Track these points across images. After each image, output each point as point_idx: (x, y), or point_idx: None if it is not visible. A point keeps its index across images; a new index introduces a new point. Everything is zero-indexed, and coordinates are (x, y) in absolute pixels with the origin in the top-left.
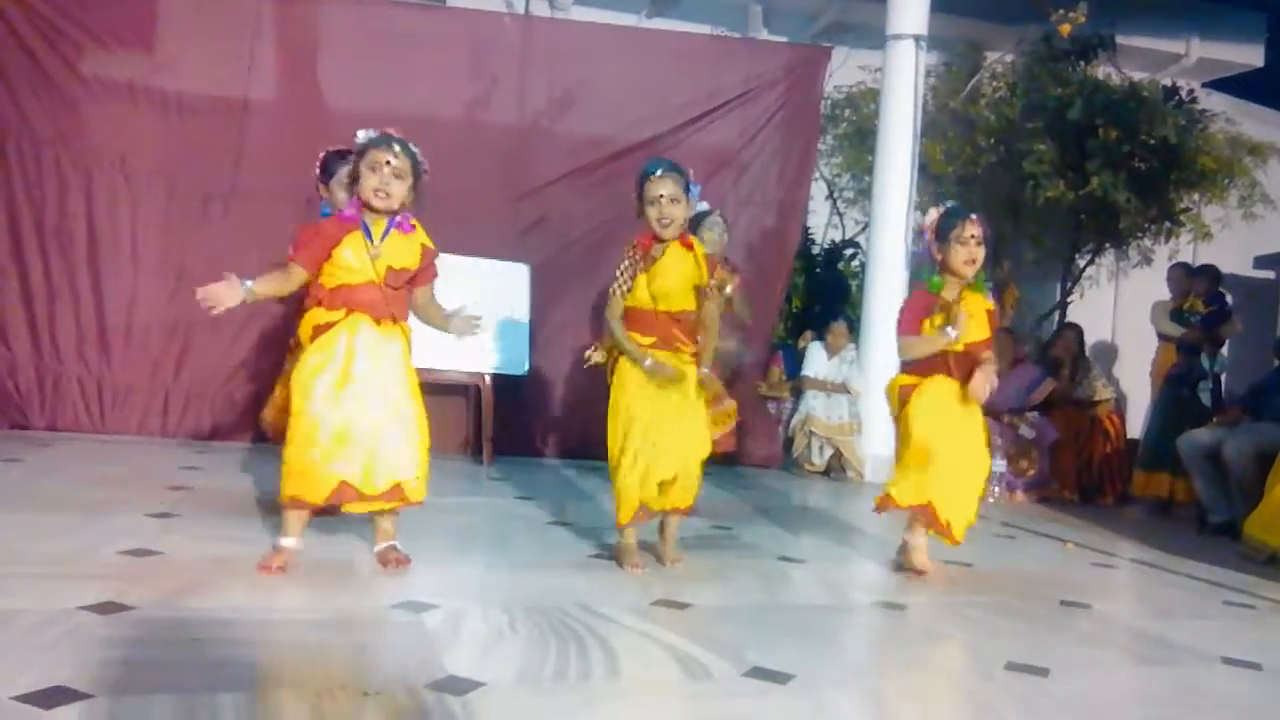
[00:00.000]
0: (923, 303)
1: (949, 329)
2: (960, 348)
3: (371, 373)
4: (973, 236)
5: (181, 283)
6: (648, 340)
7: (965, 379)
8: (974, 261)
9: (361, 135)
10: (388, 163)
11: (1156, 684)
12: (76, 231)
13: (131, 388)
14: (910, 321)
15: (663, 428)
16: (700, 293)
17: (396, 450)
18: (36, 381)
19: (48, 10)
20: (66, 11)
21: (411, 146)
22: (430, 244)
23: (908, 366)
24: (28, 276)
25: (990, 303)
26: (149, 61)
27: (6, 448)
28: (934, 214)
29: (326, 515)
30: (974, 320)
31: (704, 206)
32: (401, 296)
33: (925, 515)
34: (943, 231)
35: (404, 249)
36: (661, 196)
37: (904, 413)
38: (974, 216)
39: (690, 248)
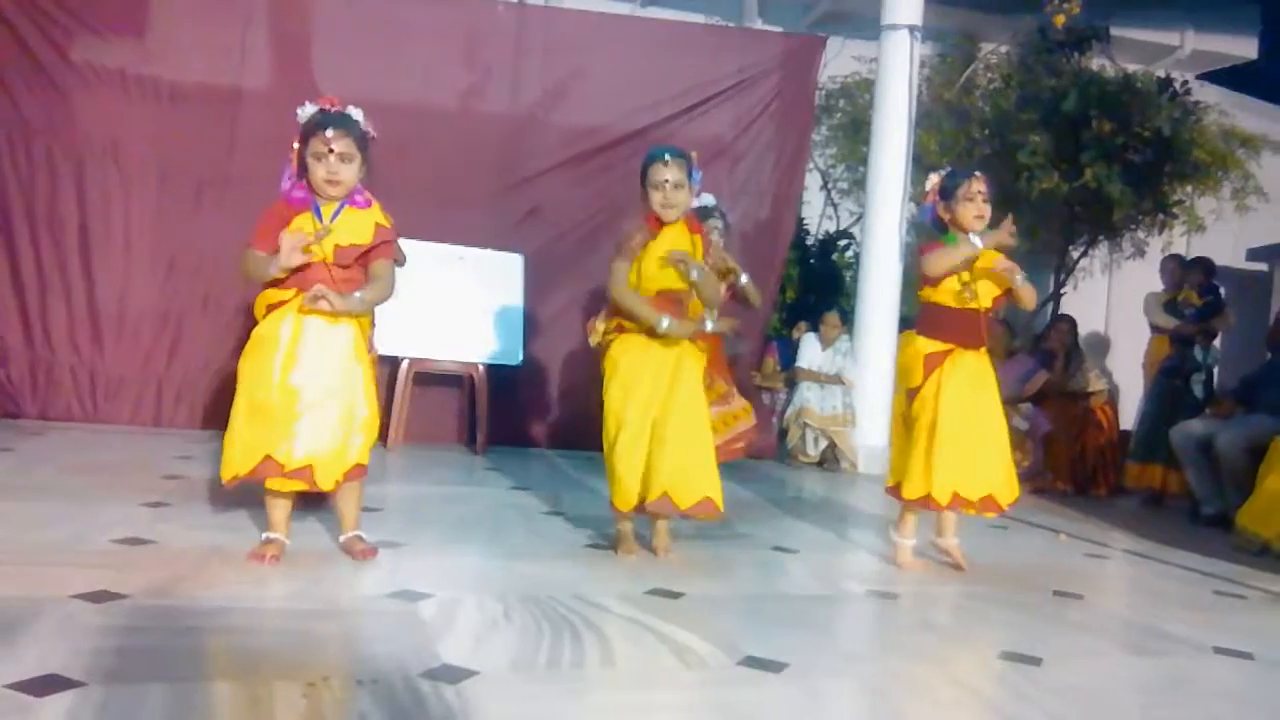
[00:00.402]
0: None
1: (974, 237)
2: (987, 305)
3: (315, 354)
4: (979, 192)
5: (173, 272)
6: (638, 326)
7: (988, 327)
8: (982, 217)
9: (301, 114)
10: (330, 150)
11: (1149, 673)
12: (68, 220)
13: (124, 377)
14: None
15: (663, 422)
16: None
17: (319, 433)
18: (29, 371)
19: None
20: None
21: (353, 117)
22: (386, 222)
23: (931, 328)
24: (19, 266)
25: (998, 250)
26: (141, 49)
27: None
28: (935, 178)
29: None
30: (989, 279)
31: (709, 200)
32: (354, 277)
33: (957, 504)
34: (948, 190)
35: (355, 225)
36: (666, 182)
37: (927, 388)
38: (978, 174)
39: (694, 231)
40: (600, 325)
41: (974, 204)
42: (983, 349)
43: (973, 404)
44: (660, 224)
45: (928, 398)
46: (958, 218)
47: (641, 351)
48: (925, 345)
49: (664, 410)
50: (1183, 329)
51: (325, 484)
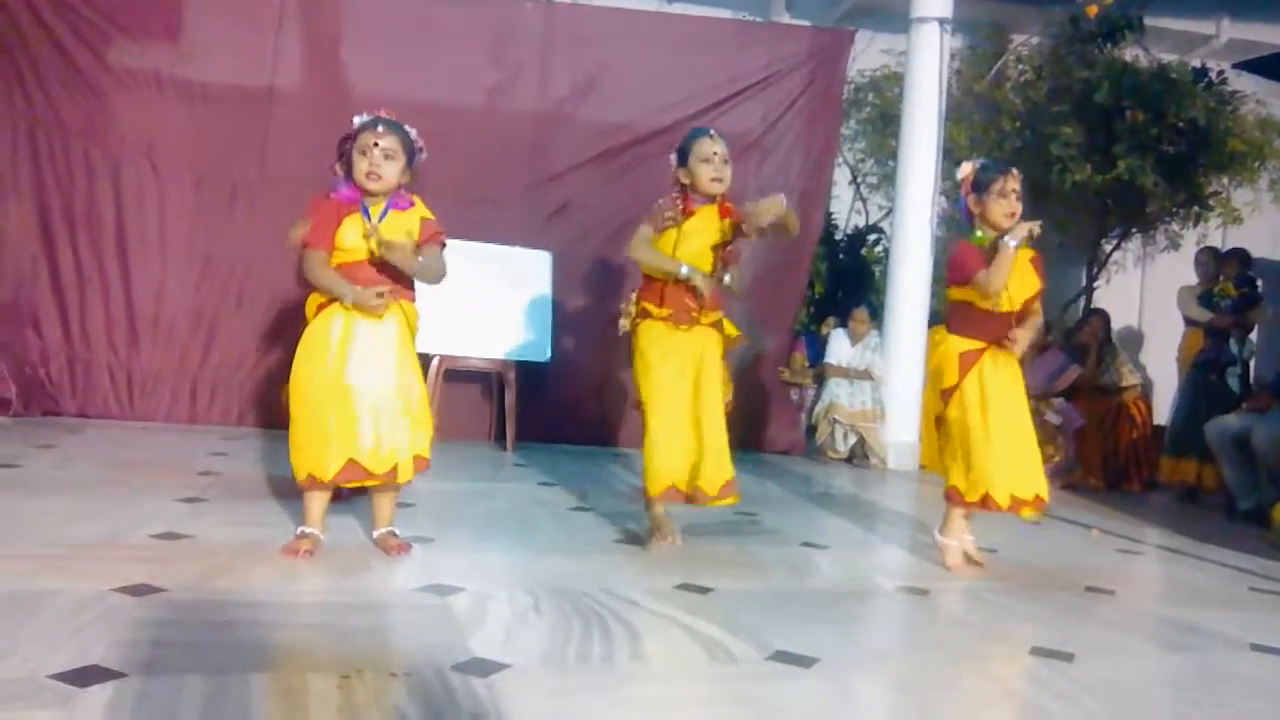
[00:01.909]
0: (975, 255)
1: (1008, 239)
2: (1018, 305)
3: (368, 351)
4: (1014, 190)
5: (208, 270)
6: (663, 312)
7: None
8: (1014, 215)
9: (358, 121)
10: (375, 144)
11: (1183, 670)
12: (105, 221)
13: (160, 375)
14: (977, 267)
15: (694, 416)
16: (720, 250)
17: (393, 430)
18: (67, 369)
19: (75, 1)
20: (94, 2)
21: (404, 127)
22: (430, 215)
23: (964, 326)
24: (58, 266)
25: (1033, 250)
26: (175, 52)
27: (39, 434)
28: (968, 167)
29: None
30: (1022, 274)
31: None
32: (399, 276)
33: (1019, 506)
34: (981, 185)
35: (402, 226)
36: (716, 154)
37: (966, 387)
38: (1013, 170)
39: (726, 215)
40: (631, 309)
41: (1007, 201)
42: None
43: (1013, 403)
44: (692, 207)
45: (969, 398)
46: (988, 213)
47: (667, 339)
48: (959, 344)
49: (694, 404)
50: (1217, 322)
51: (405, 477)
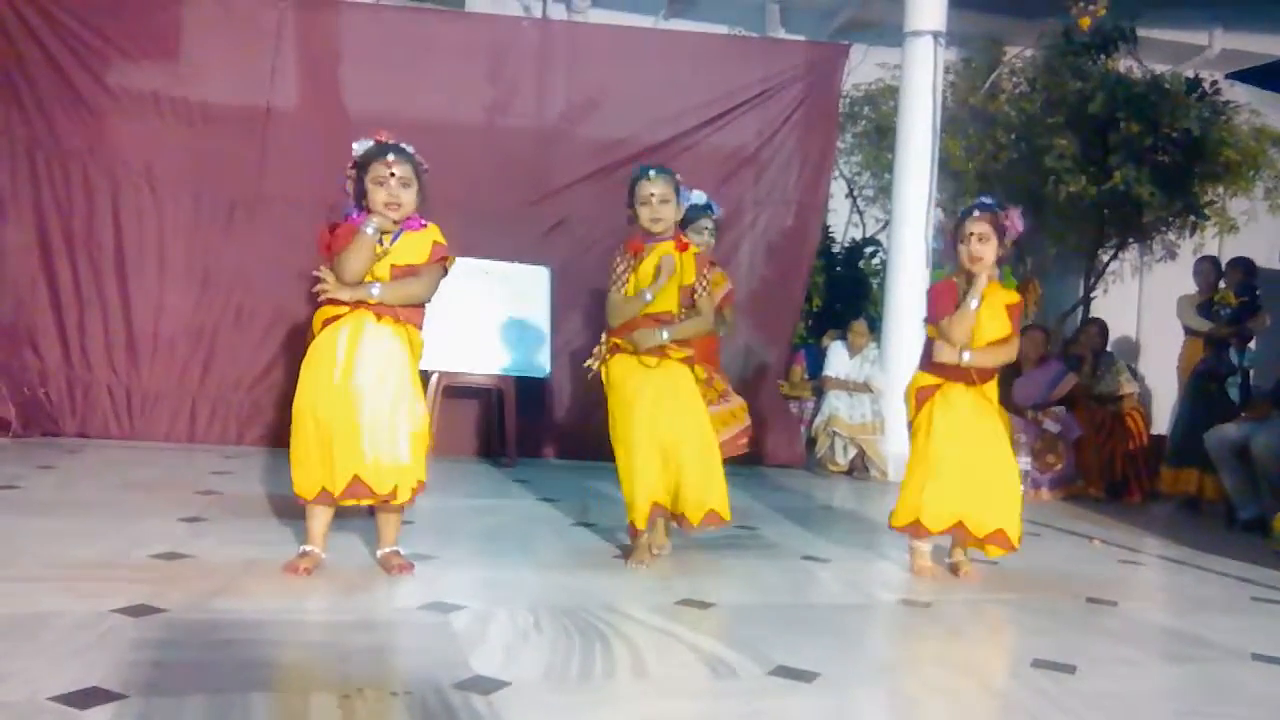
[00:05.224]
0: (948, 298)
1: (970, 299)
2: (982, 344)
3: (371, 368)
4: (972, 234)
5: (207, 289)
6: (630, 348)
7: (984, 380)
8: (980, 259)
9: (357, 148)
10: (391, 174)
11: (1186, 681)
12: (104, 241)
13: (160, 394)
14: (944, 310)
15: (670, 430)
16: (686, 290)
17: (392, 449)
18: (67, 389)
19: (73, 23)
20: (92, 23)
21: (408, 149)
22: (442, 240)
23: (927, 362)
24: (57, 286)
25: (1013, 295)
26: (173, 72)
27: (39, 455)
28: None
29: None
30: (993, 318)
31: (700, 198)
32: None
33: (960, 535)
34: (954, 231)
35: (413, 246)
36: (653, 195)
37: (919, 420)
38: (975, 214)
39: (683, 249)
40: (602, 349)
41: (965, 246)
42: (985, 384)
43: (970, 438)
44: (642, 247)
45: (920, 430)
46: (958, 255)
47: (640, 371)
48: (919, 379)
49: (678, 434)
50: (1216, 331)
51: (403, 499)
